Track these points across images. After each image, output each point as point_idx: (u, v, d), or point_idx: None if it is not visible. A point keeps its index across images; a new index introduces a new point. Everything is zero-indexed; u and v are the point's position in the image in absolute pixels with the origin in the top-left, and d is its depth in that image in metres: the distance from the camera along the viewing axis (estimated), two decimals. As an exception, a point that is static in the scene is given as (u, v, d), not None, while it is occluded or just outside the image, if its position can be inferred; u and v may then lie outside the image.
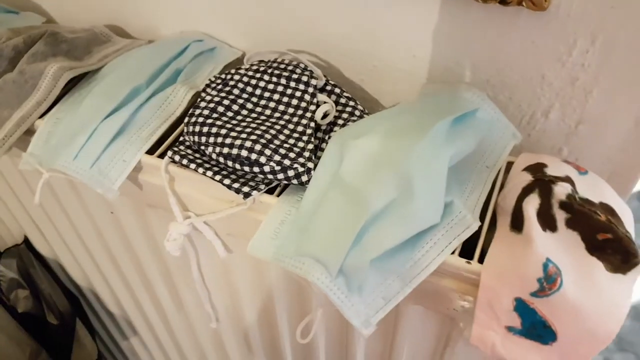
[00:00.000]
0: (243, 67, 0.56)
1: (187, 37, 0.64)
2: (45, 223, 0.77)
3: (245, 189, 0.48)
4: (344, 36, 0.57)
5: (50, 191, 0.67)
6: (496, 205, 0.46)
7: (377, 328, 0.49)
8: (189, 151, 0.52)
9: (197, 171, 0.50)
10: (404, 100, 0.58)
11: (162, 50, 0.62)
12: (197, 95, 0.58)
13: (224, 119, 0.52)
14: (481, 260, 0.41)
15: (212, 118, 0.51)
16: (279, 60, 0.56)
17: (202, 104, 0.52)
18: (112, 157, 0.52)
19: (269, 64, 0.56)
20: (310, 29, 0.58)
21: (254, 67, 0.55)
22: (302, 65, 0.54)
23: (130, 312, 0.87)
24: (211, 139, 0.50)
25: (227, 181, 0.48)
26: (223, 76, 0.56)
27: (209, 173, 0.49)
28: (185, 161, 0.51)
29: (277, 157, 0.47)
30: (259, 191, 0.48)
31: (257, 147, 0.47)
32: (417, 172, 0.41)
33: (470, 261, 0.41)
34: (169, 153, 0.52)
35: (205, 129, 0.50)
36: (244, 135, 0.49)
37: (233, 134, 0.49)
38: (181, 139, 0.54)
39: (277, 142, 0.48)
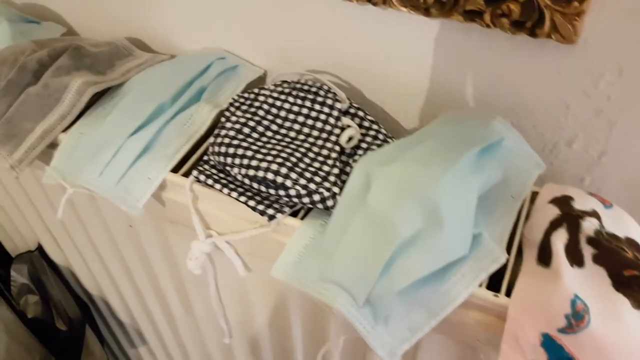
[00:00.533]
0: (267, 87, 0.56)
1: (209, 54, 0.64)
2: (60, 232, 0.77)
3: (270, 211, 0.48)
4: (364, 58, 0.57)
5: (68, 202, 0.67)
6: (522, 237, 0.46)
7: (397, 354, 0.49)
8: (214, 171, 0.52)
9: (221, 191, 0.50)
10: (426, 123, 0.59)
11: (186, 67, 0.62)
12: (220, 113, 0.58)
13: (250, 140, 0.52)
14: (508, 293, 0.41)
15: (238, 139, 0.51)
16: (302, 81, 0.56)
17: (228, 125, 0.53)
18: (137, 175, 0.53)
19: (292, 85, 0.56)
20: (331, 49, 0.59)
21: (279, 89, 0.56)
22: (325, 87, 0.54)
23: (140, 322, 0.87)
24: (237, 160, 0.50)
25: (252, 203, 0.49)
26: (247, 95, 0.56)
27: (234, 194, 0.49)
28: (210, 181, 0.51)
29: (302, 181, 0.47)
30: (283, 214, 0.48)
31: (283, 170, 0.47)
32: (446, 202, 0.42)
33: (498, 294, 0.41)
34: (194, 172, 0.52)
35: (231, 150, 0.50)
36: (269, 158, 0.49)
37: (259, 156, 0.49)
38: (206, 158, 0.54)
39: (302, 165, 0.49)
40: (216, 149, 0.51)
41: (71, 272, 0.87)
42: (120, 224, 0.64)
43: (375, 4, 0.51)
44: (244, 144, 0.51)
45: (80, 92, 0.58)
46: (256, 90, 0.56)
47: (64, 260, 0.86)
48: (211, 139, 0.53)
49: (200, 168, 0.52)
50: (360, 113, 0.55)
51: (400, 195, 0.43)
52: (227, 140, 0.51)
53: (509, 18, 0.45)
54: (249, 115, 0.54)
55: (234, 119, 0.53)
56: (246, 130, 0.52)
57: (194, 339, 0.81)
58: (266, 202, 0.49)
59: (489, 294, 0.41)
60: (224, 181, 0.51)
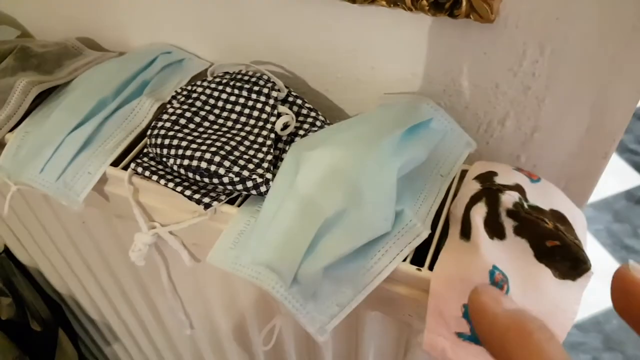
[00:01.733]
0: (207, 79, 0.57)
1: (155, 49, 0.65)
2: (22, 232, 0.78)
3: (206, 199, 0.49)
4: (307, 49, 0.58)
5: (24, 202, 0.68)
6: (449, 213, 0.47)
7: (342, 334, 0.51)
8: (152, 163, 0.53)
9: (159, 182, 0.51)
10: (366, 109, 0.60)
11: (130, 62, 0.63)
12: (162, 107, 0.59)
13: (186, 131, 0.53)
14: (432, 267, 0.42)
15: (174, 130, 0.52)
16: (243, 72, 0.57)
17: (165, 116, 0.53)
18: (77, 170, 0.53)
19: (233, 76, 0.57)
20: (276, 41, 0.60)
21: (217, 79, 0.56)
22: (265, 77, 0.55)
23: (110, 318, 0.88)
24: (172, 151, 0.51)
25: (188, 192, 0.49)
26: (188, 88, 0.57)
27: (171, 184, 0.50)
28: (147, 173, 0.52)
29: (236, 169, 0.48)
30: (219, 202, 0.49)
31: (217, 158, 0.48)
32: (367, 183, 0.43)
33: (421, 268, 0.42)
34: (132, 165, 0.53)
35: (166, 141, 0.51)
36: (204, 147, 0.50)
37: (194, 145, 0.50)
38: (145, 150, 0.55)
39: (236, 153, 0.49)
40: (152, 140, 0.52)
41: (39, 272, 0.88)
42: (74, 222, 0.65)
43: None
44: (180, 135, 0.52)
45: (25, 91, 0.59)
46: (198, 83, 0.57)
47: (31, 261, 0.86)
48: (148, 132, 0.54)
49: (139, 160, 0.53)
50: (299, 101, 0.56)
51: (325, 178, 0.44)
52: (162, 132, 0.52)
53: (428, 0, 0.46)
54: (185, 107, 0.55)
55: (171, 110, 0.54)
56: (182, 121, 0.53)
57: (161, 333, 0.82)
58: (202, 191, 0.50)
59: (412, 269, 0.42)
60: (161, 172, 0.52)
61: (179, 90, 0.57)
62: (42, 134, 0.55)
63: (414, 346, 0.50)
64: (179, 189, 0.50)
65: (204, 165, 0.48)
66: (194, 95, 0.56)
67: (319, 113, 0.55)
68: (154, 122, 0.53)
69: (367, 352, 0.55)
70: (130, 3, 0.65)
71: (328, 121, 0.56)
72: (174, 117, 0.53)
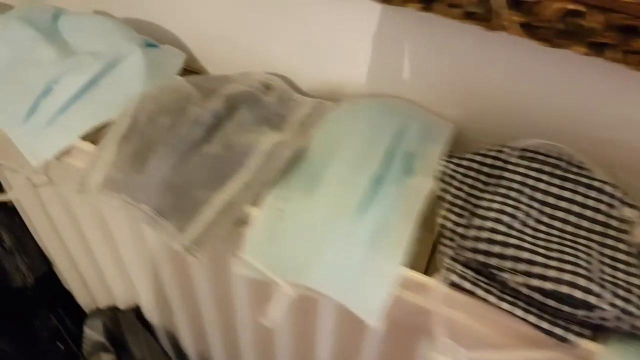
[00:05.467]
0: (501, 154, 0.47)
1: (396, 105, 0.53)
2: (163, 293, 0.65)
3: (558, 330, 0.39)
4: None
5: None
6: None
7: None
8: (466, 270, 0.42)
9: (486, 300, 0.40)
10: None
11: (377, 119, 0.51)
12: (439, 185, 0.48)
13: (514, 233, 0.42)
14: None
15: (501, 233, 0.41)
16: (542, 150, 0.47)
17: (481, 212, 0.42)
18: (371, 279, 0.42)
19: (538, 158, 0.46)
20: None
21: (518, 160, 0.46)
22: (584, 165, 0.45)
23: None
24: (508, 264, 0.40)
25: (545, 325, 0.39)
26: (484, 168, 0.46)
27: (519, 312, 0.39)
28: (468, 285, 0.41)
29: (619, 302, 0.37)
30: (580, 336, 0.39)
31: (595, 288, 0.37)
32: None
33: None
34: (446, 273, 0.41)
35: (496, 249, 0.40)
36: (553, 263, 0.39)
37: (539, 259, 0.39)
38: (446, 250, 0.44)
39: (598, 275, 0.39)
40: (477, 245, 0.41)
41: (170, 332, 0.76)
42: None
43: None
44: (512, 241, 0.41)
45: (272, 155, 0.47)
46: (496, 162, 0.46)
47: (163, 321, 0.74)
48: (459, 229, 0.43)
49: (449, 266, 0.42)
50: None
51: None
52: (485, 235, 0.41)
53: None
54: (499, 198, 0.44)
55: (485, 204, 0.43)
56: (506, 219, 0.42)
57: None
58: (561, 322, 0.39)
59: None
60: (484, 285, 0.41)
61: (463, 170, 0.47)
62: (313, 217, 0.44)
63: None
64: (532, 318, 0.39)
65: (579, 295, 0.37)
66: (505, 182, 0.45)
67: None
68: (461, 219, 0.43)
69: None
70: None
71: None
72: (492, 214, 0.42)
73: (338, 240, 0.42)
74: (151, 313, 0.73)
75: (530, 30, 0.40)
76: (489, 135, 0.54)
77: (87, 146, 0.51)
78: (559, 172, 0.45)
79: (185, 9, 0.60)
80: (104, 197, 0.47)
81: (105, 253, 0.66)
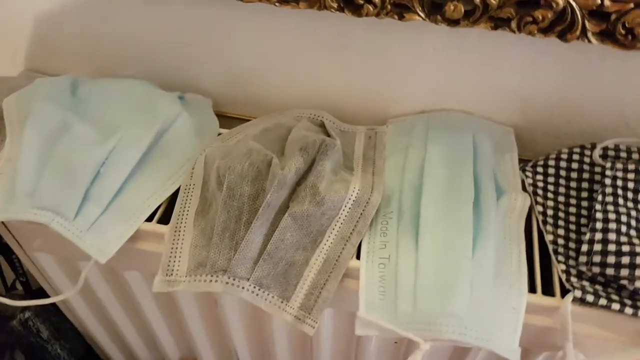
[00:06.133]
0: (587, 159, 0.47)
1: (461, 125, 0.52)
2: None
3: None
4: None
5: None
6: None
7: None
8: (598, 287, 0.42)
9: (622, 312, 0.41)
10: None
11: (451, 144, 0.50)
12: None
13: (636, 241, 0.42)
14: None
15: (623, 244, 0.41)
16: (630, 149, 0.47)
17: (598, 225, 0.42)
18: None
19: (619, 156, 0.47)
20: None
21: (608, 164, 0.46)
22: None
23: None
24: (639, 272, 0.40)
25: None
26: (573, 175, 0.47)
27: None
28: (603, 301, 0.41)
29: None
30: None
31: None
32: None
33: None
34: (578, 293, 0.41)
35: (625, 260, 0.40)
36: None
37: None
38: (564, 268, 0.43)
39: None
40: (589, 259, 0.41)
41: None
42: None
43: None
44: (639, 249, 0.41)
45: (360, 202, 0.45)
46: (583, 166, 0.47)
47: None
48: (571, 244, 0.43)
49: (576, 284, 0.42)
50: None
51: None
52: (612, 248, 0.41)
53: None
54: (599, 207, 0.44)
55: (600, 215, 0.43)
56: (623, 228, 0.42)
57: None
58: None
59: None
60: (615, 297, 0.41)
61: (550, 177, 0.47)
62: (438, 267, 0.42)
63: None
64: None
65: None
66: (598, 187, 0.45)
67: None
68: (595, 235, 0.42)
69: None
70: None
71: None
72: (613, 225, 0.42)
73: (465, 283, 0.41)
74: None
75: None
76: (542, 136, 0.54)
77: (154, 227, 0.47)
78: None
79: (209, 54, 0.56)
80: (198, 285, 0.44)
81: (160, 319, 0.62)
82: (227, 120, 0.60)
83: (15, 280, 0.65)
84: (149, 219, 0.47)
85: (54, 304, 0.65)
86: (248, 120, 0.58)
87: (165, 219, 0.48)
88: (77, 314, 0.62)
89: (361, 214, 0.46)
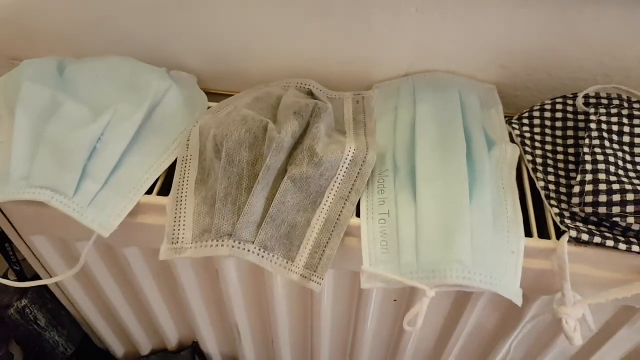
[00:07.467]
0: (570, 108, 0.49)
1: (446, 84, 0.54)
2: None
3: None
4: None
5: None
6: None
7: None
8: (591, 226, 0.44)
9: (616, 248, 0.42)
10: None
11: (439, 102, 0.51)
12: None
13: (625, 179, 0.44)
14: None
15: (614, 182, 0.43)
16: (610, 96, 0.49)
17: (588, 167, 0.44)
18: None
19: (600, 102, 0.49)
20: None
21: (592, 110, 0.48)
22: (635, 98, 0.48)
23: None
24: (630, 208, 0.42)
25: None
26: (558, 124, 0.48)
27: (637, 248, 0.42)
28: (597, 239, 0.43)
29: None
30: None
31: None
32: None
33: None
34: (573, 233, 0.43)
35: (616, 198, 0.42)
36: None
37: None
38: (558, 211, 0.45)
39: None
40: (581, 199, 0.43)
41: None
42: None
43: None
44: (628, 187, 0.43)
45: (356, 161, 0.46)
46: (567, 115, 0.48)
47: (224, 351, 0.71)
48: (562, 189, 0.45)
49: (570, 224, 0.44)
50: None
51: None
52: (603, 187, 0.43)
53: None
54: (587, 149, 0.46)
55: (588, 157, 0.45)
56: (612, 168, 0.44)
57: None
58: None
59: None
60: (608, 234, 0.43)
61: (536, 127, 0.48)
62: (439, 221, 0.43)
63: None
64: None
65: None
66: (583, 133, 0.47)
67: None
68: (585, 176, 0.44)
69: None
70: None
71: None
72: (602, 166, 0.44)
73: (466, 230, 0.42)
74: (212, 346, 0.70)
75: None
76: (524, 90, 0.56)
77: (154, 199, 0.47)
78: (625, 111, 0.47)
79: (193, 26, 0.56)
80: (205, 250, 0.44)
81: (159, 298, 0.62)
82: (212, 96, 0.60)
83: (8, 269, 0.64)
84: (148, 192, 0.48)
85: (50, 292, 0.65)
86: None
87: (163, 192, 0.48)
88: (74, 299, 0.62)
89: (358, 172, 0.47)
